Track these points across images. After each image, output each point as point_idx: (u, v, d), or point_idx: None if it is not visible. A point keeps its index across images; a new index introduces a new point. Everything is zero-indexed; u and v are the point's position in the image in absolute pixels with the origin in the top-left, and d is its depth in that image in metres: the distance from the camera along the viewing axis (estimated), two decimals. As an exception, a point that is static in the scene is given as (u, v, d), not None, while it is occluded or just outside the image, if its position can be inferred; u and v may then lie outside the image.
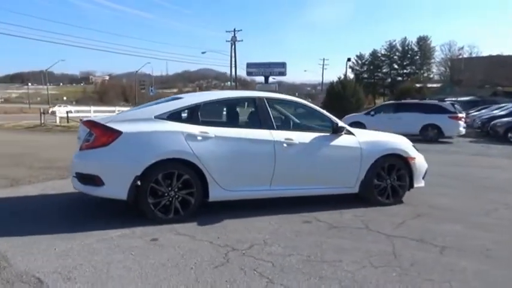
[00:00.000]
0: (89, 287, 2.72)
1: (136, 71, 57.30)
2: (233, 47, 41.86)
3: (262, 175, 4.42)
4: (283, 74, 37.31)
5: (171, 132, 4.07)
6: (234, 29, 41.83)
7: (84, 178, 4.01)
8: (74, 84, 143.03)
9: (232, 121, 4.69)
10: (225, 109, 4.79)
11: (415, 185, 5.17)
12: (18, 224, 4.07)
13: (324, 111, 4.98)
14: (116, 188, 3.94)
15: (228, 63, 41.62)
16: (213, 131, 4.22)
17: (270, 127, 4.49)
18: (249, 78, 53.37)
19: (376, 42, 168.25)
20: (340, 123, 4.76)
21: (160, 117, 4.16)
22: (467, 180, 7.05)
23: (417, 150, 5.36)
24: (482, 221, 4.49)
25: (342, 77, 38.47)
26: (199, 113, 4.31)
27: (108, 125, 4.00)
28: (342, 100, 34.81)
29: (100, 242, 3.54)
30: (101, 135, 3.96)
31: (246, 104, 4.97)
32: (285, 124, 4.93)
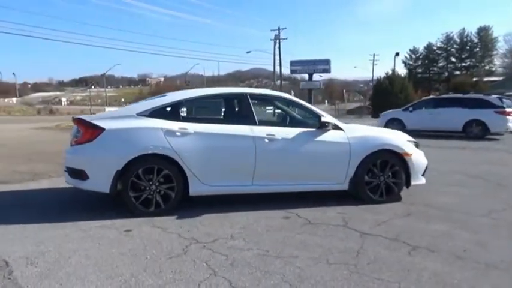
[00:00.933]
0: (44, 270, 2.93)
1: (186, 72, 59.16)
2: (277, 45, 41.82)
3: (243, 171, 4.45)
4: (327, 71, 36.63)
5: (150, 128, 4.23)
6: (279, 27, 41.81)
7: (73, 172, 4.30)
8: (132, 86, 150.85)
9: (213, 117, 4.75)
10: (207, 106, 4.87)
11: (413, 183, 4.91)
12: (17, 213, 4.45)
13: (311, 107, 4.90)
14: (99, 181, 4.17)
15: (277, 62, 41.80)
16: (192, 127, 4.32)
17: (252, 123, 4.50)
18: (299, 76, 52.86)
19: (432, 36, 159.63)
20: (325, 118, 4.64)
21: (142, 114, 4.34)
22: (490, 179, 6.53)
23: (417, 146, 5.10)
24: (478, 221, 4.18)
25: (391, 72, 37.12)
26: (180, 110, 4.45)
27: (92, 122, 4.25)
28: (389, 96, 33.55)
29: (78, 232, 3.78)
30: (85, 131, 4.22)
31: (229, 100, 5.00)
32: (268, 119, 4.90)
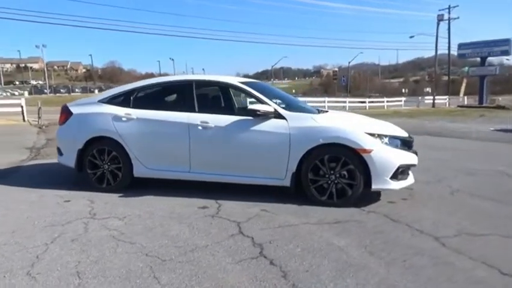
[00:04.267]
0: (-35, 220, 3.80)
1: (349, 62, 58.04)
2: (441, 27, 36.54)
3: (179, 157, 4.51)
4: (507, 53, 30.22)
5: (102, 114, 4.75)
6: (449, 6, 36.46)
7: (57, 149, 5.20)
8: (307, 78, 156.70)
9: (158, 104, 4.82)
10: (156, 93, 4.97)
11: (375, 186, 4.02)
12: (20, 179, 5.52)
13: (257, 94, 4.42)
14: (68, 158, 4.94)
15: (442, 46, 36.32)
16: (135, 112, 4.64)
17: (190, 110, 4.50)
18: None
19: None
20: (253, 106, 4.22)
21: (102, 101, 4.90)
22: None
23: (409, 145, 4.20)
24: (412, 243, 3.23)
25: None
26: (131, 97, 4.80)
27: (67, 107, 5.03)
28: None
29: (36, 197, 4.59)
30: (62, 115, 5.05)
31: (176, 87, 4.98)
32: (210, 107, 4.67)
